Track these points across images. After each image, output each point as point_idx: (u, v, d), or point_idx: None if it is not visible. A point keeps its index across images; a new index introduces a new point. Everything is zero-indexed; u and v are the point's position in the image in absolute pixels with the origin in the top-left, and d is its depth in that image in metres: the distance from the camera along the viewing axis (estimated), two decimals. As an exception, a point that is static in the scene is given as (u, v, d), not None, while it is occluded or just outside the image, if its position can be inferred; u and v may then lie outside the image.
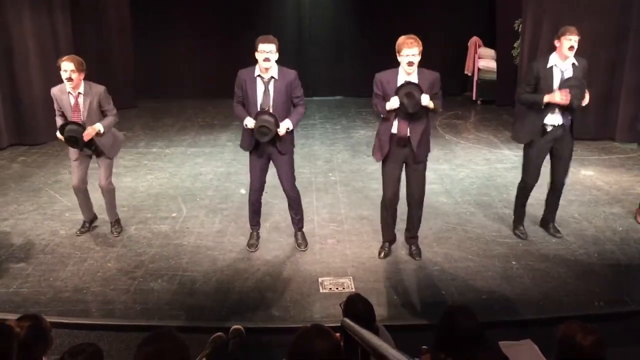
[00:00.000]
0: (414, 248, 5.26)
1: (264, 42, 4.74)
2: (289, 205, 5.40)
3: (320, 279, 4.85)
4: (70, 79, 4.96)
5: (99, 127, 5.12)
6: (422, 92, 4.65)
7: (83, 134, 5.06)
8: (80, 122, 5.09)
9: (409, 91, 4.64)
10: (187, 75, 11.88)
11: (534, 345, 3.76)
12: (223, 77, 11.71)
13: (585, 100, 5.08)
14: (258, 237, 5.48)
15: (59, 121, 5.20)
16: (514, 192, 5.83)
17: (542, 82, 5.17)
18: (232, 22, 11.84)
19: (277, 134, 4.85)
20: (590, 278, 4.88)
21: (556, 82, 5.14)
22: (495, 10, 11.47)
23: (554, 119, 5.21)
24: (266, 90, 4.86)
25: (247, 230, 5.66)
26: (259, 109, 4.87)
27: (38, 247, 5.39)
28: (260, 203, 5.39)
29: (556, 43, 5.12)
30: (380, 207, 5.24)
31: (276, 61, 4.83)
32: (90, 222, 5.68)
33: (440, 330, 2.81)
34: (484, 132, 9.47)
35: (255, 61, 4.82)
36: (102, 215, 5.77)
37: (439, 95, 4.87)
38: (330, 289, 4.73)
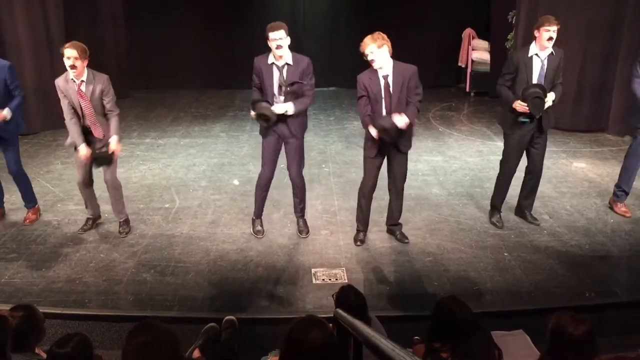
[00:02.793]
0: (399, 233, 5.36)
1: (273, 30, 4.77)
2: (294, 192, 5.44)
3: (313, 270, 4.86)
4: (73, 67, 4.83)
5: (115, 140, 5.07)
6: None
7: (113, 154, 5.08)
8: (88, 112, 5.00)
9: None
10: (180, 65, 11.81)
11: (526, 335, 3.79)
12: (217, 67, 11.74)
13: (548, 103, 5.17)
14: (262, 223, 5.52)
15: (76, 129, 5.04)
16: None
17: (522, 72, 5.21)
18: (226, 12, 11.77)
19: (281, 117, 4.89)
20: (582, 269, 4.92)
21: (536, 72, 5.18)
22: (489, 2, 11.47)
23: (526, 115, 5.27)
24: (281, 76, 4.90)
25: (240, 221, 5.67)
26: (275, 95, 4.94)
27: (30, 238, 5.37)
28: (268, 190, 5.42)
29: (535, 33, 5.15)
30: (358, 195, 5.29)
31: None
32: (94, 220, 5.54)
33: (435, 320, 2.83)
34: (477, 124, 9.49)
35: (269, 49, 4.86)
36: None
37: (419, 91, 4.89)
38: (324, 280, 4.74)
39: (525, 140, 5.38)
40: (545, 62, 5.18)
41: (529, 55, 5.19)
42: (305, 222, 5.52)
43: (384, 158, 5.08)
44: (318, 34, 12.03)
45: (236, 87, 11.35)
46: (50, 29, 8.72)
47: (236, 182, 6.82)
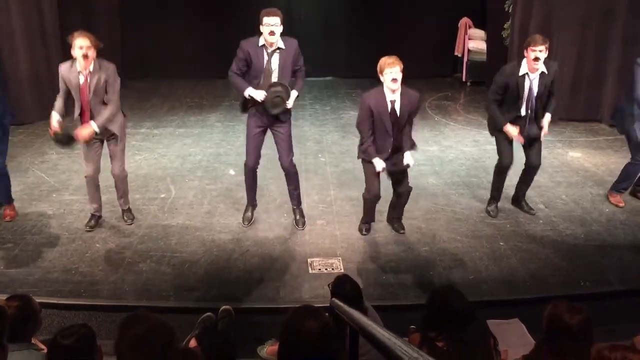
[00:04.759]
0: (397, 225, 5.37)
1: (268, 15, 4.72)
2: (288, 180, 5.41)
3: (309, 260, 4.87)
4: (86, 56, 4.65)
5: (93, 127, 4.85)
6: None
7: (74, 136, 4.87)
8: (85, 105, 4.88)
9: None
10: (176, 55, 11.73)
11: (521, 324, 3.82)
12: (212, 57, 11.64)
13: (545, 130, 5.29)
14: (253, 211, 5.50)
15: (59, 102, 4.92)
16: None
17: (512, 90, 5.21)
18: (221, 5, 11.70)
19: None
20: (577, 258, 4.94)
21: (526, 92, 5.18)
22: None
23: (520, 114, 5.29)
24: (270, 61, 4.84)
25: (236, 211, 5.66)
26: (262, 79, 4.87)
27: (25, 228, 5.35)
28: (255, 177, 5.39)
29: (525, 53, 5.13)
30: (363, 200, 5.25)
31: None
32: (98, 217, 5.41)
33: (430, 309, 2.84)
34: (474, 114, 9.47)
35: (259, 33, 4.80)
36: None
37: (413, 122, 4.98)
38: (320, 269, 4.75)
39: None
40: (536, 83, 5.17)
41: (520, 74, 5.16)
42: (302, 212, 5.50)
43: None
44: (314, 24, 11.95)
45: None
46: (44, 19, 8.65)
47: (232, 172, 6.81)
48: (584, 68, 8.67)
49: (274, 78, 4.89)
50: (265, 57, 4.84)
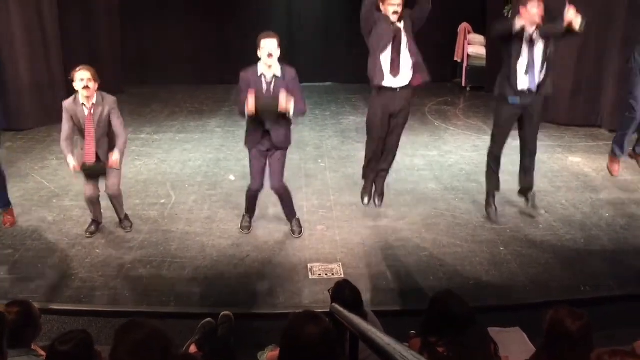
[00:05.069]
0: (378, 191, 5.77)
1: (266, 37, 4.72)
2: (281, 202, 5.39)
3: (309, 265, 4.87)
4: (87, 87, 4.82)
5: (117, 157, 5.00)
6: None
7: (104, 164, 5.03)
8: (89, 137, 4.96)
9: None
10: (176, 60, 11.73)
11: (522, 333, 3.81)
12: (212, 62, 11.67)
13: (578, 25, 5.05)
14: (251, 220, 5.50)
15: (69, 144, 4.99)
16: (501, 179, 5.85)
17: (511, 43, 5.14)
18: (221, 6, 11.71)
19: (281, 113, 4.83)
20: (577, 263, 4.94)
21: (525, 45, 5.10)
22: (486, -2, 11.44)
23: (522, 83, 5.20)
24: (268, 90, 4.81)
25: (236, 216, 5.66)
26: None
27: (26, 233, 5.35)
28: (257, 199, 5.42)
29: (521, 10, 5.05)
30: (366, 146, 5.57)
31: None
32: (98, 223, 5.43)
33: (430, 315, 2.84)
34: (473, 119, 9.49)
35: (256, 60, 4.80)
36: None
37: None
38: (320, 274, 4.74)
39: (513, 118, 5.37)
40: (534, 35, 5.10)
41: (520, 26, 5.08)
42: (298, 221, 5.45)
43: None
44: (313, 29, 11.97)
45: (231, 82, 11.24)
46: (44, 24, 8.66)
47: (232, 177, 6.81)
48: (583, 73, 8.68)
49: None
50: (264, 87, 4.83)
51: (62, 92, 7.89)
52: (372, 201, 5.78)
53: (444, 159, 7.50)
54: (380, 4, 5.00)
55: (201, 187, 6.54)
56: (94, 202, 5.25)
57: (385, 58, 5.14)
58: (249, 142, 5.11)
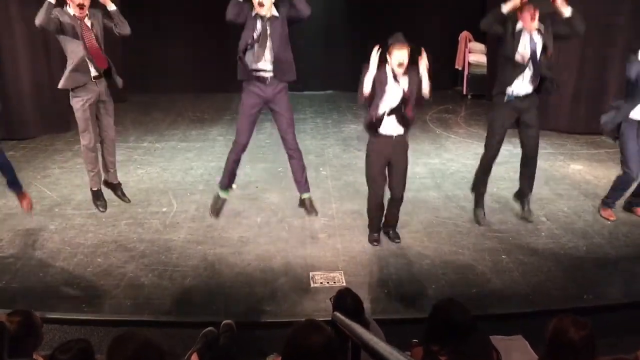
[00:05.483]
0: (391, 232, 5.41)
1: None
2: (295, 163, 5.23)
3: (311, 273, 4.86)
4: (82, 6, 4.92)
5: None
6: None
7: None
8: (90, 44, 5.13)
9: None
10: (177, 69, 11.77)
11: (525, 341, 3.79)
12: (213, 70, 11.69)
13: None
14: (224, 202, 5.41)
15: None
16: (504, 187, 5.89)
17: (508, 41, 5.17)
18: (222, 16, 11.72)
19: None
20: (579, 272, 4.92)
21: (522, 47, 5.13)
22: (486, 5, 11.47)
23: (518, 88, 5.24)
24: (264, 32, 4.73)
25: (237, 224, 5.66)
26: (255, 47, 4.76)
27: (27, 242, 5.35)
28: (239, 162, 5.29)
29: (519, 16, 5.10)
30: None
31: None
32: (100, 189, 5.53)
33: (432, 323, 2.83)
34: (475, 127, 9.49)
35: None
36: (91, 210, 5.76)
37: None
38: (321, 283, 4.74)
39: (508, 121, 5.38)
40: (534, 36, 5.13)
41: (517, 29, 5.15)
42: (311, 200, 5.33)
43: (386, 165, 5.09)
44: (314, 38, 12.01)
45: (233, 91, 11.26)
46: (46, 34, 8.68)
47: (234, 185, 6.80)
48: (585, 81, 8.69)
49: (269, 49, 4.80)
50: (259, 26, 4.73)
51: (64, 102, 7.89)
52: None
53: (445, 167, 7.50)
54: (388, 56, 4.87)
55: (203, 196, 6.53)
56: (94, 150, 5.30)
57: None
58: (244, 74, 4.94)
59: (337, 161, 7.78)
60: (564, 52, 8.54)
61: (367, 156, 5.12)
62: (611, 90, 8.51)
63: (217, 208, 5.41)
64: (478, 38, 11.77)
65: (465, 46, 11.69)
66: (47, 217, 5.90)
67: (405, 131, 5.00)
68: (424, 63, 4.80)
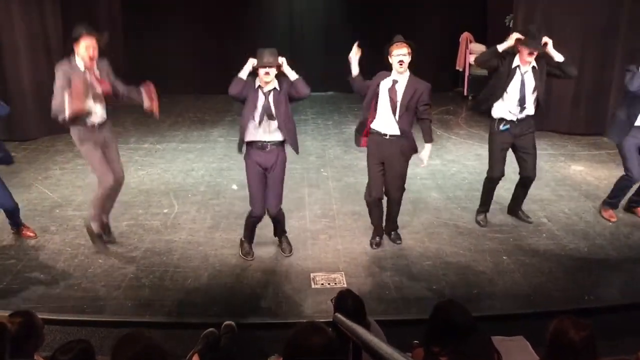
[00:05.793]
0: (393, 234, 5.41)
1: (263, 55, 4.63)
2: (276, 226, 5.21)
3: (312, 275, 4.86)
4: (92, 58, 4.91)
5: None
6: None
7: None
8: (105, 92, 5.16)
9: None
10: (178, 70, 11.79)
11: (526, 342, 3.79)
12: (214, 72, 11.68)
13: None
14: (251, 245, 5.26)
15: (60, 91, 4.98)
16: (504, 187, 5.87)
17: (501, 77, 5.24)
18: (223, 17, 11.77)
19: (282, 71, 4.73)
20: (580, 272, 4.92)
21: (513, 87, 5.20)
22: (487, 6, 11.49)
23: (510, 113, 5.29)
24: (266, 102, 4.71)
25: (239, 226, 5.65)
26: (258, 120, 4.73)
27: (28, 243, 5.36)
28: (261, 219, 5.10)
29: (519, 49, 5.16)
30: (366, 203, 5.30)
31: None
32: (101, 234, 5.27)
33: (433, 324, 2.82)
34: (475, 128, 9.49)
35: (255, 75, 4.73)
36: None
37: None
38: (322, 284, 4.74)
39: (506, 144, 5.43)
40: (525, 76, 5.20)
41: (513, 66, 5.22)
42: (287, 239, 5.29)
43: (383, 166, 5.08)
44: (314, 39, 12.04)
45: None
46: (48, 36, 8.71)
47: (235, 186, 6.82)
48: (585, 82, 8.69)
49: (273, 122, 4.76)
50: (261, 99, 4.72)
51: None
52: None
53: (446, 168, 7.50)
54: (389, 57, 4.89)
55: (204, 197, 6.54)
56: (116, 188, 5.15)
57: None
58: (245, 156, 4.97)
59: (338, 162, 7.78)
60: (563, 53, 8.54)
61: (367, 156, 5.16)
62: (611, 91, 8.52)
63: (246, 252, 5.18)
64: (479, 39, 11.79)
65: (466, 47, 11.69)
66: (47, 218, 5.91)
67: (403, 134, 4.97)
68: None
